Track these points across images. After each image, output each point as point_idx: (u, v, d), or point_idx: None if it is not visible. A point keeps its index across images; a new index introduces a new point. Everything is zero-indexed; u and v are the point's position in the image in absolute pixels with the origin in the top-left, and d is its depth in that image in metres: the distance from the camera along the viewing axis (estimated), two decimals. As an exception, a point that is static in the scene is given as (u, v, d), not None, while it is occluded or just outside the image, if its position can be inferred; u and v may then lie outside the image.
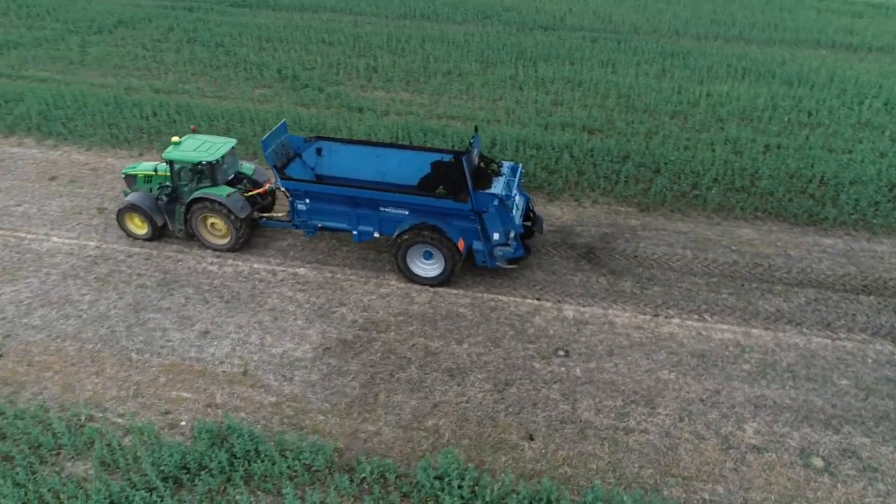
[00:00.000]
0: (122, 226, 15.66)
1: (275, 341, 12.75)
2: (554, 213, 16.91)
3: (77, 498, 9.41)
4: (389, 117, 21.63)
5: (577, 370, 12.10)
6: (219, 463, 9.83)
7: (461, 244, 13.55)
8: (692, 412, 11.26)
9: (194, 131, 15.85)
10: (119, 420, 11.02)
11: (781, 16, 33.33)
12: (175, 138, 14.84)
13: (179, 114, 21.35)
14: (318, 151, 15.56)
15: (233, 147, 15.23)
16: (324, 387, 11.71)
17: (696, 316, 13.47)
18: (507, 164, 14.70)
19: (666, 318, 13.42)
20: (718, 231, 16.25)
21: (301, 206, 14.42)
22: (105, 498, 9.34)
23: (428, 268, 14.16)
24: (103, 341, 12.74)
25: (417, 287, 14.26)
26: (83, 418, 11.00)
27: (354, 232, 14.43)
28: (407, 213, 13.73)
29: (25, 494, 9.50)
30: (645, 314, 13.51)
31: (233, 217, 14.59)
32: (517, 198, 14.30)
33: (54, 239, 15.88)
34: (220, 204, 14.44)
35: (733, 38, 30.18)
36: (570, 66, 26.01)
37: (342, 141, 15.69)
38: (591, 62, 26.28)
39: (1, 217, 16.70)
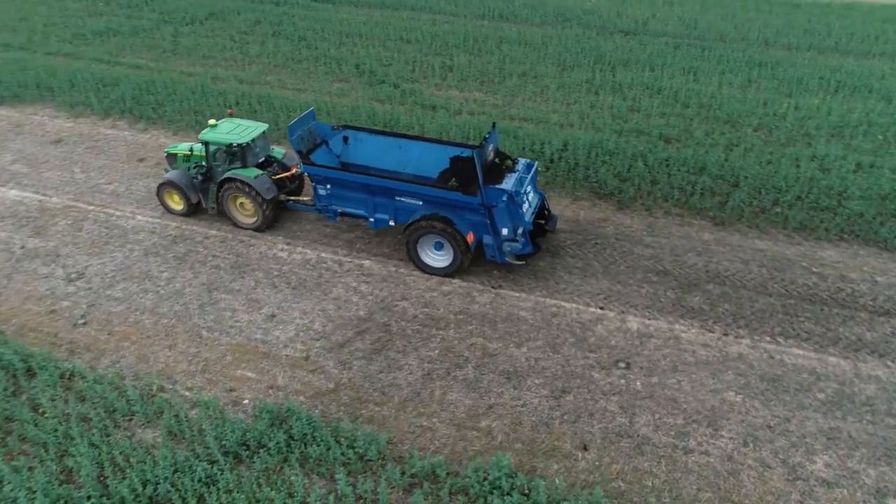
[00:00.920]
0: (161, 200, 16.57)
1: (337, 330, 13.02)
2: (623, 221, 16.53)
3: (145, 462, 9.91)
4: (462, 116, 21.70)
5: (638, 384, 11.79)
6: (277, 443, 10.14)
7: (470, 237, 13.71)
8: (758, 438, 10.77)
9: (231, 115, 16.53)
10: (187, 393, 11.54)
11: (883, 27, 31.36)
12: (212, 121, 15.69)
13: (260, 104, 22.12)
14: (345, 140, 16.02)
15: (264, 132, 15.87)
16: (381, 378, 11.88)
17: (768, 338, 12.87)
18: (522, 162, 14.74)
19: (736, 337, 12.88)
20: (799, 251, 15.47)
21: (322, 192, 14.91)
22: (170, 465, 9.80)
23: (438, 258, 14.39)
24: (177, 317, 13.36)
25: (479, 287, 14.25)
26: (155, 388, 11.58)
27: (371, 219, 14.80)
28: (421, 203, 13.99)
29: (99, 455, 10.08)
30: (713, 332, 13.02)
31: (259, 198, 15.20)
32: (530, 195, 14.41)
33: (139, 217, 16.78)
34: (247, 185, 15.09)
35: (828, 49, 28.64)
36: (650, 72, 25.35)
37: (367, 131, 16.10)
38: (673, 69, 25.53)
39: (93, 194, 17.78)
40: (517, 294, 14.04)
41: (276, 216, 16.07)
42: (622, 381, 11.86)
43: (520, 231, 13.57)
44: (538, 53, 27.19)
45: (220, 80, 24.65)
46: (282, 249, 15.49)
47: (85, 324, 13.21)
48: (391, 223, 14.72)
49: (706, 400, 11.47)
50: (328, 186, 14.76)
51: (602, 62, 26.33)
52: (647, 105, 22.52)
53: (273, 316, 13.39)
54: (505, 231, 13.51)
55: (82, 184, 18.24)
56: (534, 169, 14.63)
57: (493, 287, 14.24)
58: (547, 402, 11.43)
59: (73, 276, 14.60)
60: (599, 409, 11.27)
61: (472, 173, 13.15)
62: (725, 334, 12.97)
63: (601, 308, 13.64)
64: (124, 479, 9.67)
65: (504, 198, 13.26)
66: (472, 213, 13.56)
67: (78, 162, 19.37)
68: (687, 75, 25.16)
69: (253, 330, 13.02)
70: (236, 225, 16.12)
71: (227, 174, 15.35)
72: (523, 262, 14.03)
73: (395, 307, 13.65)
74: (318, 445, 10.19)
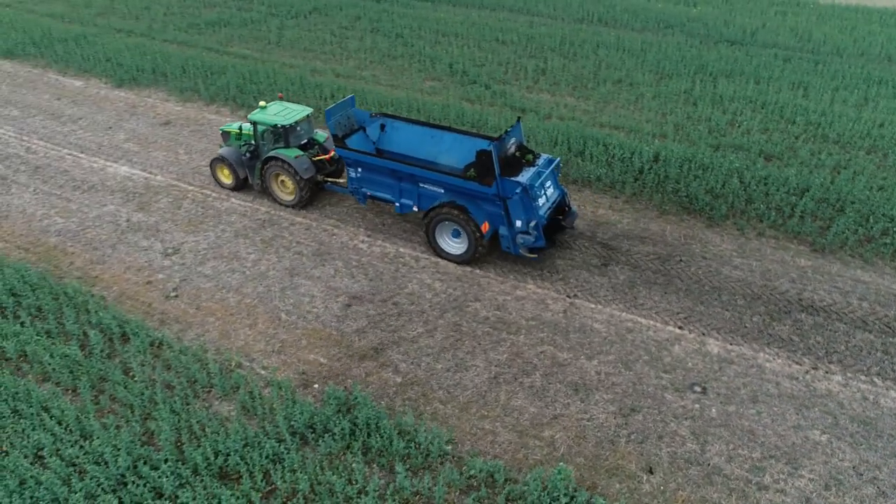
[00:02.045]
0: (213, 174, 17.95)
1: (408, 325, 13.19)
2: (712, 239, 15.79)
3: (218, 434, 10.42)
4: (551, 121, 21.44)
5: (713, 410, 11.24)
6: (342, 430, 10.40)
7: (485, 227, 14.04)
8: (842, 483, 10.02)
9: (281, 98, 17.51)
10: (262, 372, 12.03)
11: None
12: (262, 103, 16.65)
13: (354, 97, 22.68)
14: (382, 127, 16.62)
15: (307, 115, 16.79)
16: (447, 377, 11.93)
17: (863, 377, 11.94)
18: (544, 157, 14.91)
19: (826, 373, 12.03)
20: (907, 286, 14.27)
21: (354, 174, 15.63)
22: (241, 439, 10.25)
23: (455, 245, 14.82)
24: (259, 298, 13.96)
25: (554, 294, 14.04)
26: (233, 364, 12.15)
27: (397, 204, 15.39)
28: (442, 191, 14.40)
29: (178, 421, 10.69)
30: (801, 364, 12.22)
31: (297, 177, 16.12)
32: (549, 190, 14.62)
33: (233, 200, 17.64)
34: (287, 164, 16.04)
35: (961, 68, 26.21)
36: (755, 85, 24.07)
37: (403, 119, 16.59)
38: (780, 83, 24.13)
39: (193, 175, 18.86)
40: (592, 305, 13.73)
41: (313, 196, 17.14)
42: (696, 405, 11.35)
43: (532, 224, 13.74)
44: (636, 60, 26.43)
45: (318, 73, 25.52)
46: (363, 241, 15.86)
47: (176, 296, 14.04)
48: (415, 209, 15.21)
49: (787, 436, 10.78)
50: (359, 170, 15.45)
51: (703, 72, 25.27)
52: (748, 119, 21.41)
53: (349, 305, 13.73)
54: (518, 223, 13.81)
55: (185, 165, 19.38)
56: (553, 164, 14.76)
57: (567, 296, 13.99)
58: (614, 418, 11.10)
59: (169, 250, 15.55)
60: (669, 433, 10.83)
61: (490, 164, 13.39)
62: (815, 368, 12.14)
63: (680, 328, 13.11)
64: (199, 447, 10.20)
65: (518, 190, 13.53)
66: (489, 203, 13.88)
67: (183, 144, 20.60)
68: (795, 90, 23.72)
69: (329, 317, 13.41)
70: (276, 201, 17.25)
71: (271, 153, 16.34)
72: (535, 256, 14.32)
73: (468, 308, 13.67)
74: (381, 437, 10.37)
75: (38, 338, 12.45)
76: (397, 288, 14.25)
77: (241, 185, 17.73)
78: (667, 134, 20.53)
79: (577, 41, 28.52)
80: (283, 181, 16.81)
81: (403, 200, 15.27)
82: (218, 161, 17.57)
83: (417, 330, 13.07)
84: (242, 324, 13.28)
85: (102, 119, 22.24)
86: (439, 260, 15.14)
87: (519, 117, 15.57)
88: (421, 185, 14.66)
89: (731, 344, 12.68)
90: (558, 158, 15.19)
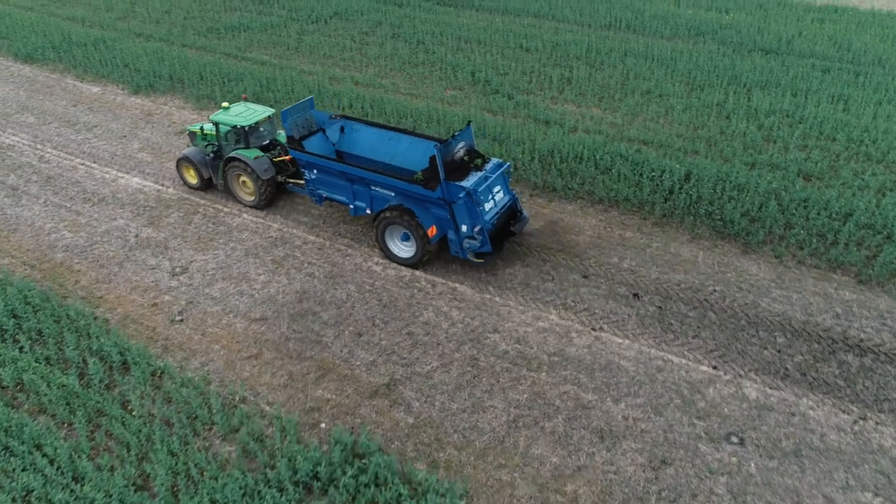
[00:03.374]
0: (179, 174, 18.09)
1: (422, 358, 12.43)
2: (748, 268, 14.80)
3: (217, 480, 9.76)
4: (576, 134, 20.53)
5: (752, 465, 10.31)
6: (346, 483, 9.66)
7: (432, 230, 13.97)
8: (899, 556, 9.06)
9: (245, 99, 17.63)
10: (267, 408, 11.37)
11: None
12: (225, 104, 16.74)
13: (372, 107, 22.04)
14: (342, 129, 16.59)
15: (270, 116, 16.90)
16: (463, 419, 11.15)
17: (918, 430, 10.92)
18: (493, 161, 14.74)
19: (877, 423, 11.03)
20: (964, 325, 13.16)
21: (310, 176, 15.62)
22: (240, 487, 9.59)
23: (403, 249, 14.80)
24: (268, 324, 13.31)
25: (578, 326, 13.18)
26: (237, 399, 11.51)
27: (351, 206, 15.37)
28: (393, 194, 14.35)
29: (176, 464, 10.06)
30: (849, 413, 11.22)
31: (256, 178, 16.21)
32: (497, 195, 14.42)
33: (245, 216, 17.05)
34: (247, 164, 16.11)
35: None
36: (792, 97, 22.91)
37: (362, 122, 16.56)
38: (819, 96, 22.93)
39: (210, 190, 18.28)
40: (619, 340, 12.85)
41: (275, 197, 17.19)
42: (733, 458, 10.43)
43: (477, 229, 13.63)
44: (665, 70, 25.38)
45: (337, 81, 24.89)
46: (377, 263, 15.14)
47: (181, 321, 13.45)
48: (368, 211, 15.12)
49: (835, 497, 9.83)
50: (315, 171, 15.42)
51: (737, 83, 24.15)
52: (785, 135, 20.29)
53: (360, 335, 13.01)
54: (464, 228, 13.73)
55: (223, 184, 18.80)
56: (502, 169, 14.57)
57: (593, 328, 13.12)
58: (643, 472, 10.23)
59: (177, 269, 14.99)
60: (704, 490, 9.93)
61: (435, 168, 13.38)
62: (863, 418, 11.14)
63: (714, 367, 12.17)
64: (196, 494, 9.56)
65: (462, 195, 13.41)
66: (437, 207, 13.79)
67: (196, 155, 20.08)
68: (836, 103, 22.51)
69: (339, 348, 12.71)
70: (238, 202, 17.36)
71: (232, 153, 16.41)
72: (482, 261, 14.17)
73: (486, 340, 12.88)
74: (390, 489, 9.62)
75: (37, 365, 11.94)
76: (412, 316, 13.50)
77: (206, 185, 17.88)
78: (699, 150, 19.51)
79: (605, 49, 27.52)
80: (244, 181, 16.92)
81: (357, 203, 15.26)
82: (183, 161, 17.68)
83: (432, 364, 12.31)
84: (248, 352, 12.64)
85: (117, 127, 21.84)
86: (456, 286, 14.36)
87: (469, 121, 15.34)
88: (373, 187, 14.62)
89: (770, 388, 11.72)
90: (508, 163, 14.98)
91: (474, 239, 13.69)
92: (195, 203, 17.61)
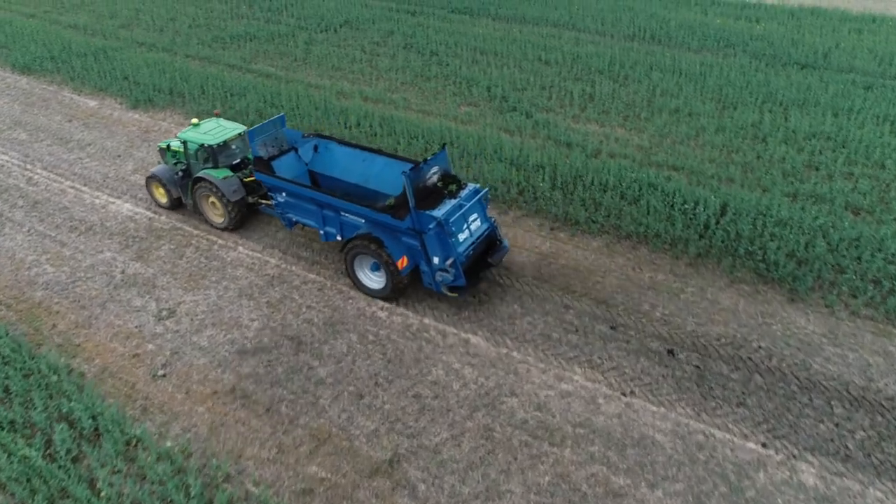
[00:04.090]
0: (149, 193, 17.28)
1: (430, 427, 11.01)
2: (796, 320, 13.23)
3: (189, 587, 8.42)
4: (600, 158, 19.02)
5: (815, 576, 8.79)
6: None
7: (403, 262, 13.01)
8: None
9: (217, 115, 16.78)
10: (253, 489, 9.99)
11: None
12: (194, 120, 16.12)
13: (381, 126, 20.68)
14: (315, 148, 15.70)
15: (240, 134, 15.91)
16: (476, 507, 9.72)
17: None
18: (469, 187, 13.68)
19: (958, 522, 9.46)
20: None
21: (278, 199, 14.69)
22: None
23: (374, 280, 13.85)
24: (258, 382, 11.95)
25: (605, 390, 11.69)
26: (220, 476, 10.14)
27: (321, 232, 14.43)
28: (363, 221, 13.41)
29: (143, 564, 8.74)
30: (924, 507, 9.66)
31: (224, 199, 15.32)
32: (475, 224, 13.46)
33: (241, 249, 15.73)
34: (215, 185, 15.28)
35: None
36: (833, 117, 21.23)
37: (337, 141, 15.65)
38: (863, 116, 21.23)
39: (201, 217, 17.01)
40: (654, 408, 11.34)
41: (245, 218, 16.33)
42: (791, 565, 8.92)
43: (449, 262, 12.62)
44: (694, 85, 23.77)
45: (345, 96, 23.55)
46: (382, 308, 13.74)
47: (164, 375, 12.14)
48: (338, 238, 14.17)
49: None
50: (283, 194, 14.48)
51: (772, 101, 22.50)
52: (828, 161, 18.64)
53: (361, 397, 11.61)
54: (436, 260, 12.75)
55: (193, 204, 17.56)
56: (479, 196, 13.54)
57: (623, 393, 11.63)
58: (686, 582, 8.75)
59: (164, 313, 13.69)
60: None
61: (404, 195, 12.53)
62: (942, 514, 9.57)
63: (764, 445, 10.63)
64: None
65: (433, 225, 12.43)
66: (409, 237, 12.81)
67: (193, 178, 18.81)
68: (881, 125, 20.80)
69: (336, 413, 11.32)
70: (209, 223, 16.43)
71: (199, 173, 15.58)
72: (456, 294, 13.08)
73: (502, 405, 11.42)
74: None
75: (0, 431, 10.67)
76: (419, 374, 12.08)
77: (176, 205, 17.03)
78: (734, 177, 17.92)
79: (629, 62, 25.95)
80: (213, 202, 15.97)
81: (327, 228, 14.31)
82: (152, 179, 16.77)
83: (441, 435, 10.88)
84: (236, 416, 11.28)
85: (112, 146, 20.64)
86: (469, 337, 12.93)
87: (444, 144, 14.26)
88: (342, 213, 13.68)
89: (830, 472, 10.17)
90: (485, 189, 13.89)
91: (447, 272, 12.63)
92: (188, 234, 16.32)
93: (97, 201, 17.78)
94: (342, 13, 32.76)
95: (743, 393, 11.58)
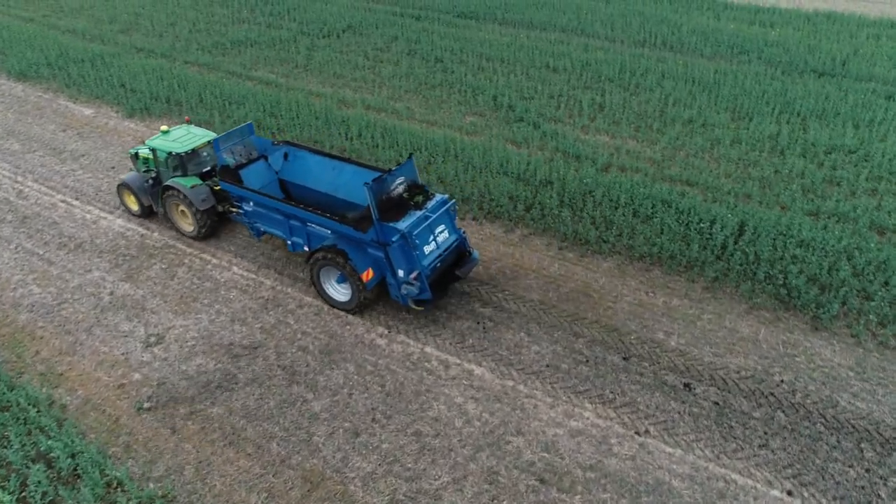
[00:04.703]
0: (121, 200, 16.95)
1: (431, 469, 10.29)
2: (820, 351, 12.45)
3: None
4: (610, 172, 18.26)
5: None
6: None
7: (368, 274, 12.72)
8: None
9: (188, 122, 16.57)
10: (239, 540, 9.31)
11: None
12: (164, 127, 15.82)
13: (384, 137, 19.98)
14: (286, 156, 15.40)
15: (210, 142, 15.47)
16: (478, 562, 9.00)
17: None
18: (437, 198, 13.34)
19: None
20: None
21: (246, 208, 14.50)
22: None
23: (340, 292, 13.55)
24: (249, 417, 11.26)
25: (618, 428, 10.94)
26: (204, 525, 9.46)
27: (289, 242, 14.20)
28: (329, 232, 13.15)
29: None
30: (967, 567, 8.87)
31: (193, 208, 15.09)
32: (442, 235, 13.13)
33: (235, 269, 15.06)
34: (183, 194, 15.01)
35: None
36: (854, 129, 20.40)
37: (307, 149, 15.32)
38: (885, 127, 20.38)
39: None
40: (670, 449, 10.58)
41: (217, 227, 16.04)
42: None
43: (414, 276, 12.32)
44: (708, 95, 22.97)
45: (346, 105, 22.86)
46: (381, 335, 13.04)
47: (150, 409, 11.46)
48: (305, 248, 13.87)
49: None
50: (251, 203, 14.25)
51: (789, 111, 21.68)
52: (850, 176, 17.82)
53: (357, 434, 10.90)
54: (401, 273, 12.40)
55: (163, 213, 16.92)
56: (446, 207, 13.20)
57: (637, 432, 10.87)
58: None
59: (152, 339, 13.02)
60: None
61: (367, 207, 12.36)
62: None
63: (789, 493, 9.87)
64: None
65: (396, 237, 12.16)
66: (374, 249, 12.54)
67: (188, 192, 18.16)
68: (905, 137, 19.96)
69: (331, 452, 10.61)
70: (179, 231, 16.17)
71: (168, 181, 15.32)
72: (422, 308, 12.88)
73: (507, 445, 10.69)
74: None
75: (-28, 471, 10.02)
76: (419, 409, 11.36)
77: (147, 213, 16.69)
78: (751, 194, 17.13)
79: (639, 70, 25.15)
80: (182, 211, 15.72)
81: (294, 239, 14.05)
82: (123, 187, 16.47)
83: (442, 479, 10.16)
84: (224, 455, 10.59)
85: (106, 157, 20.02)
86: (472, 368, 12.20)
87: (411, 153, 13.96)
88: (308, 224, 13.41)
89: (863, 526, 9.41)
90: (452, 200, 13.47)
91: (412, 285, 12.29)
92: (181, 252, 15.66)
93: (88, 216, 17.15)
94: (345, 18, 32.08)
95: (765, 433, 10.82)
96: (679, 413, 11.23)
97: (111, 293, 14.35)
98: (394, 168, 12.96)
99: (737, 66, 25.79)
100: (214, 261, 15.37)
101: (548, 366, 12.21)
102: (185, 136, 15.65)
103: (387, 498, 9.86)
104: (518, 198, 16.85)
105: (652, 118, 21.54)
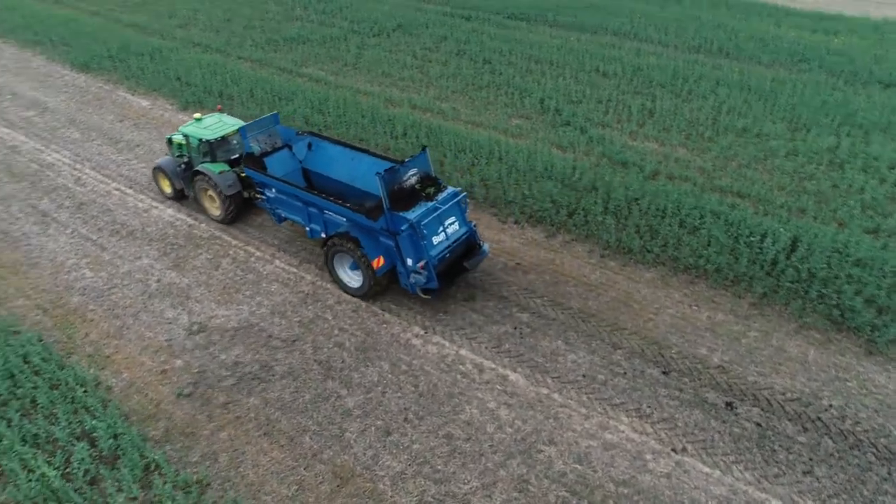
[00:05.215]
0: (155, 183, 17.85)
1: (460, 473, 10.23)
2: (875, 378, 11.87)
3: None
4: (657, 180, 17.85)
5: None
6: None
7: (379, 262, 13.12)
8: None
9: (220, 110, 17.31)
10: (268, 530, 9.44)
11: None
12: (197, 115, 16.47)
13: (428, 137, 20.01)
14: (309, 146, 15.90)
15: (238, 130, 15.86)
16: (504, 571, 8.90)
17: None
18: (448, 191, 13.67)
19: None
20: None
21: (269, 194, 15.00)
22: None
23: (352, 278, 14.02)
24: (283, 408, 11.41)
25: (654, 444, 10.67)
26: (235, 513, 9.63)
27: (307, 228, 14.63)
28: (344, 220, 13.54)
29: None
30: None
31: (220, 192, 15.73)
32: (452, 227, 13.44)
33: (277, 262, 15.31)
34: (211, 179, 15.69)
35: None
36: (920, 144, 19.45)
37: (329, 139, 15.80)
38: (955, 144, 19.37)
39: (240, 225, 16.71)
40: (707, 469, 10.26)
41: (241, 212, 16.63)
42: None
43: (421, 265, 12.68)
44: (764, 104, 22.24)
45: (393, 104, 22.99)
46: (416, 335, 13.05)
47: (189, 395, 11.74)
48: (322, 235, 14.27)
49: None
50: (273, 190, 14.75)
51: (851, 124, 20.80)
52: (914, 194, 16.99)
53: (389, 433, 10.93)
54: (410, 261, 12.80)
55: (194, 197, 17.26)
56: (456, 199, 13.50)
57: (674, 449, 10.58)
58: None
59: (195, 327, 13.34)
60: None
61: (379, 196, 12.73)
62: None
63: (834, 523, 9.45)
64: None
65: (405, 226, 12.53)
66: (386, 237, 12.90)
67: (235, 184, 18.56)
68: (976, 155, 18.91)
69: (362, 448, 10.67)
70: (207, 215, 16.90)
71: (198, 167, 16.01)
72: (429, 297, 13.32)
73: (539, 454, 10.55)
74: None
75: (22, 446, 10.41)
76: (452, 412, 11.32)
77: (179, 196, 17.50)
78: (806, 208, 16.49)
79: (693, 76, 24.54)
80: (210, 195, 16.42)
81: (313, 226, 14.50)
82: (158, 170, 17.35)
83: (471, 483, 10.09)
84: (258, 445, 10.76)
85: (160, 148, 20.60)
86: (508, 374, 12.09)
87: (425, 146, 14.16)
88: (325, 211, 13.81)
89: (912, 563, 8.93)
90: (464, 193, 13.73)
91: (419, 274, 12.69)
92: (226, 244, 16.01)
93: (140, 205, 17.70)
94: (396, 17, 32.29)
95: (811, 459, 10.38)
96: (719, 432, 10.87)
97: (158, 280, 14.76)
98: (407, 160, 13.29)
99: (796, 75, 24.90)
100: (258, 253, 15.66)
101: (584, 376, 12.01)
102: (215, 124, 16.27)
103: (415, 499, 9.85)
104: (561, 203, 16.64)
105: (704, 126, 20.97)
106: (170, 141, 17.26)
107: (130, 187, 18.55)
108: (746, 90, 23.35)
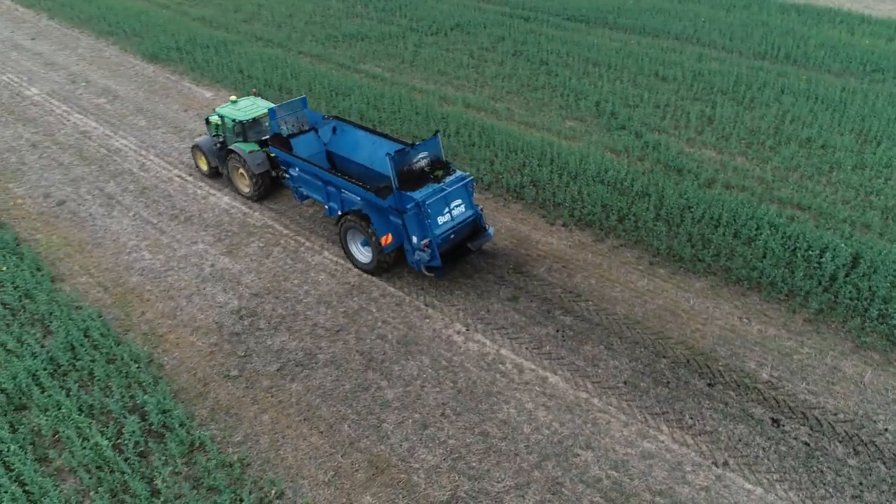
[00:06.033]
0: (194, 160, 18.99)
1: (494, 471, 10.24)
2: (936, 403, 11.29)
3: None
4: (714, 189, 17.39)
5: None
6: None
7: (387, 239, 13.80)
8: None
9: (255, 94, 18.60)
10: (304, 513, 9.67)
11: None
12: (233, 97, 17.67)
13: (480, 137, 20.04)
14: (334, 130, 16.68)
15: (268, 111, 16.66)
16: (533, 572, 8.87)
17: None
18: (457, 174, 14.25)
19: None
20: None
21: (292, 173, 15.97)
22: None
23: (363, 254, 14.80)
24: (324, 396, 11.66)
25: (695, 456, 10.42)
26: (273, 494, 9.90)
27: (326, 206, 15.46)
28: (358, 198, 14.19)
29: (186, 578, 8.58)
30: None
31: (250, 171, 16.73)
32: (458, 209, 14.03)
33: (325, 253, 15.63)
34: (242, 158, 16.69)
35: None
36: None
37: (352, 124, 16.48)
38: None
39: (293, 216, 17.13)
40: (749, 486, 9.96)
41: (269, 191, 17.67)
42: None
43: (425, 242, 13.33)
44: (832, 114, 21.36)
45: (448, 102, 23.11)
46: (458, 332, 13.11)
47: (236, 377, 12.12)
48: (339, 213, 14.96)
49: None
50: (296, 169, 15.64)
51: (925, 137, 19.78)
52: None
53: (426, 426, 11.03)
54: (415, 239, 13.51)
55: (287, 202, 17.74)
56: (463, 183, 14.06)
57: (715, 462, 10.32)
58: None
59: (244, 312, 13.76)
60: None
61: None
62: None
63: (883, 552, 9.04)
64: None
65: (411, 205, 13.17)
66: (395, 216, 13.56)
67: (290, 176, 19.04)
68: None
69: (398, 439, 10.80)
70: (237, 192, 17.97)
71: (231, 146, 17.00)
72: (433, 274, 13.79)
73: (575, 457, 10.46)
74: None
75: (78, 416, 10.98)
76: (489, 410, 11.33)
77: (214, 173, 18.63)
78: (871, 224, 15.78)
79: (756, 83, 23.78)
80: (241, 173, 17.37)
81: (331, 204, 15.27)
82: (196, 148, 18.43)
83: (505, 482, 10.09)
84: (298, 431, 11.03)
85: (220, 137, 21.28)
86: (548, 376, 12.01)
87: (437, 130, 14.85)
88: (342, 190, 14.58)
89: None
90: (471, 178, 14.33)
91: (423, 251, 13.36)
92: (277, 233, 16.44)
93: (199, 192, 18.35)
94: (454, 16, 32.43)
95: (861, 484, 9.96)
96: (764, 449, 10.54)
97: (212, 265, 15.28)
98: (417, 143, 13.97)
99: (868, 85, 23.82)
100: (308, 244, 16.02)
101: (625, 382, 11.83)
102: (249, 107, 17.25)
103: (448, 493, 9.92)
104: (612, 207, 16.41)
105: (765, 135, 20.31)
106: (207, 121, 18.36)
107: (190, 175, 19.25)
108: (813, 99, 22.49)
